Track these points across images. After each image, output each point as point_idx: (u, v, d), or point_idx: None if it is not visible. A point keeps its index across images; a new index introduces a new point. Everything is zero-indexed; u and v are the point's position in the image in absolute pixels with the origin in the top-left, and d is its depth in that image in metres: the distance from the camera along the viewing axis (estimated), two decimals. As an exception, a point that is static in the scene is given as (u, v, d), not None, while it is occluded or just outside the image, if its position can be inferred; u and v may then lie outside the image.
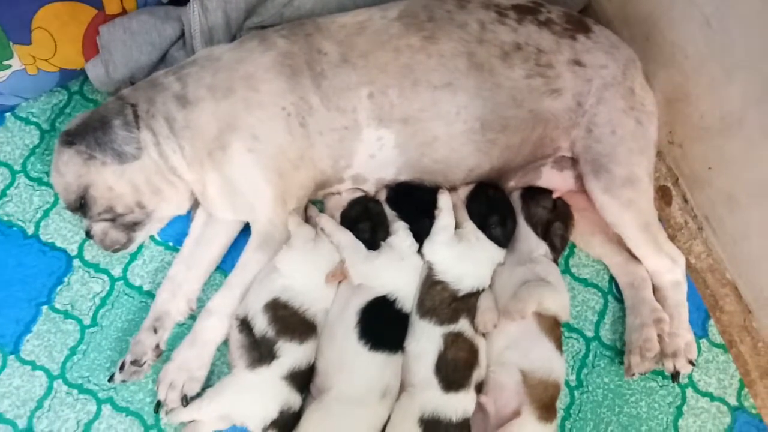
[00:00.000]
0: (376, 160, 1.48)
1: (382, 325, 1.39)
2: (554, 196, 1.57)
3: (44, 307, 1.53)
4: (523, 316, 1.37)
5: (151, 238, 1.61)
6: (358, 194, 1.54)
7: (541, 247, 1.51)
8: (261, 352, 1.35)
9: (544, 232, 1.52)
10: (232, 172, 1.42)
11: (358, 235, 1.45)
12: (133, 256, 1.59)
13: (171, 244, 1.61)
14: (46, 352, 1.49)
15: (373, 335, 1.37)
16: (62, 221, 1.61)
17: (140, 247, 1.59)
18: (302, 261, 1.43)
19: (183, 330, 1.51)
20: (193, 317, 1.50)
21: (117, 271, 1.58)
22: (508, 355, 1.39)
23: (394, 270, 1.43)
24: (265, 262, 1.45)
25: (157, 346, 1.46)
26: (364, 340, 1.36)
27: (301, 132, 1.43)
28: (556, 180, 1.57)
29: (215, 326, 1.43)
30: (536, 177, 1.58)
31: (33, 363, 1.48)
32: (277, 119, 1.41)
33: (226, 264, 1.57)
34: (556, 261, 1.54)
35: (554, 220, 1.54)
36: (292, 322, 1.38)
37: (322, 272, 1.43)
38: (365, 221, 1.47)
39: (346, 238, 1.44)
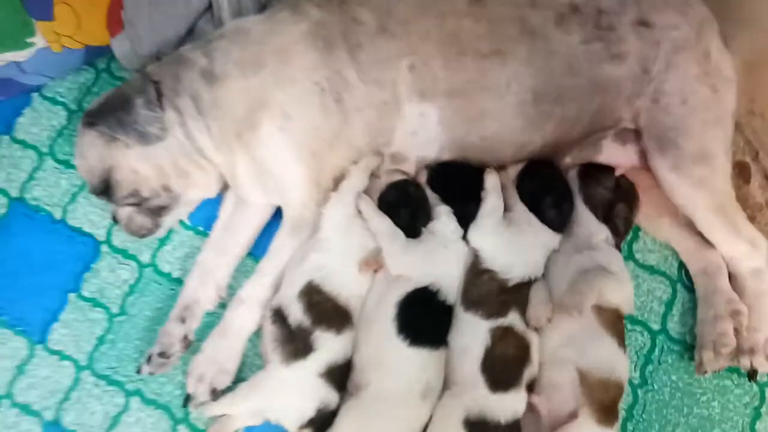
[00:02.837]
0: (417, 138, 1.38)
1: (423, 319, 1.29)
2: (616, 173, 1.43)
3: (71, 295, 1.47)
4: (581, 310, 1.26)
5: (181, 222, 1.53)
6: (398, 177, 1.42)
7: (601, 232, 1.37)
8: (296, 345, 1.27)
9: (605, 214, 1.39)
10: (262, 152, 1.34)
11: (397, 222, 1.34)
12: (162, 242, 1.52)
13: (201, 228, 1.53)
14: (73, 341, 1.44)
15: (414, 330, 1.27)
16: (90, 205, 1.55)
17: (169, 232, 1.52)
18: (342, 224, 1.34)
19: (213, 319, 1.43)
20: (223, 305, 1.43)
21: (145, 257, 1.51)
22: (564, 353, 1.27)
23: (437, 259, 1.32)
24: (296, 248, 1.37)
25: (186, 336, 1.39)
26: (403, 334, 1.26)
27: (336, 109, 1.33)
28: (618, 155, 1.43)
29: (246, 315, 1.36)
30: (595, 152, 1.44)
31: (61, 353, 1.44)
32: (310, 95, 1.31)
33: (257, 249, 1.48)
34: (618, 247, 1.40)
35: (617, 201, 1.40)
36: (326, 309, 1.29)
37: (353, 255, 1.33)
38: (405, 207, 1.36)
39: (384, 225, 1.34)
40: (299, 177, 1.35)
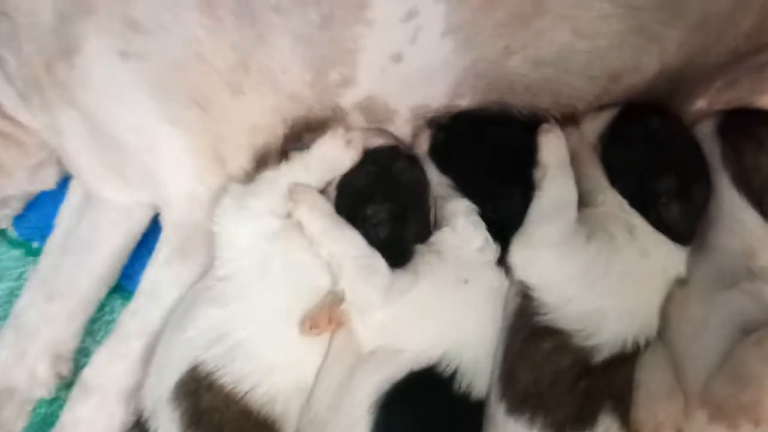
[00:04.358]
0: (404, 68, 0.75)
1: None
2: (793, 127, 0.81)
3: None
4: (758, 418, 0.63)
5: (1, 234, 0.94)
6: (374, 141, 0.80)
7: (772, 242, 0.75)
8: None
9: (776, 206, 0.77)
10: (95, 103, 0.73)
11: (373, 235, 0.73)
12: (-29, 269, 0.94)
13: (36, 245, 0.94)
14: None
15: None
16: None
17: (-19, 252, 0.93)
18: (258, 250, 0.73)
19: (56, 409, 0.85)
20: (69, 385, 0.83)
21: (-57, 298, 0.93)
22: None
23: (449, 308, 0.71)
24: (189, 283, 0.77)
25: (-11, 457, 0.79)
26: (387, 469, 0.65)
27: (235, 11, 0.71)
28: (798, 94, 0.81)
29: (98, 415, 0.77)
30: (753, 89, 0.81)
31: None
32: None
33: (130, 280, 0.88)
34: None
35: (796, 181, 0.78)
36: (225, 422, 0.67)
37: (285, 310, 0.71)
38: (382, 201, 0.74)
39: (347, 244, 0.72)
40: (173, 149, 0.75)
